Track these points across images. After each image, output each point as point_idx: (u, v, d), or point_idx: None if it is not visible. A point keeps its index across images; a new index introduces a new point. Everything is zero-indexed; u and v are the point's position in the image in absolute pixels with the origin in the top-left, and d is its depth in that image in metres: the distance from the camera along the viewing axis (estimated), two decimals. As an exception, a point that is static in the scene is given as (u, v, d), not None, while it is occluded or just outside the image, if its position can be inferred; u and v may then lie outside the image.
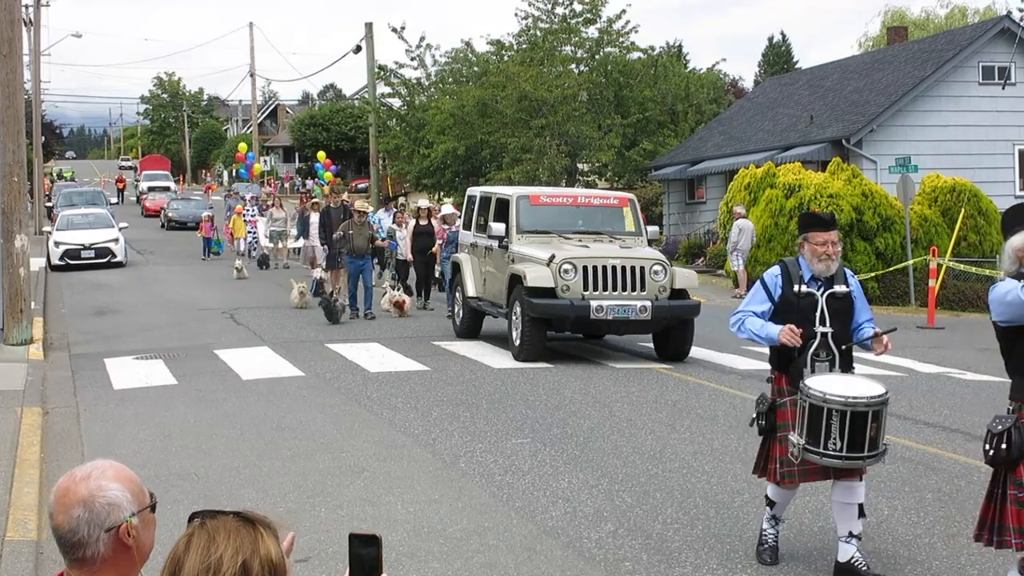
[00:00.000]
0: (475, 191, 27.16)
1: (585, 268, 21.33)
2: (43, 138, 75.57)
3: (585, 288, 21.24)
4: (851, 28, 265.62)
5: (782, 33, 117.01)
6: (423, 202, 33.83)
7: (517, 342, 21.76)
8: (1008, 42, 41.80)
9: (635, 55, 58.10)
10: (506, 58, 57.46)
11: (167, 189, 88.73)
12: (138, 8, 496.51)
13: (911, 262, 34.07)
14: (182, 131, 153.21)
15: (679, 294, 21.83)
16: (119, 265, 44.57)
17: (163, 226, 70.09)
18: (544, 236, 22.97)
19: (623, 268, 21.40)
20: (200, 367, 20.96)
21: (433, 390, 18.47)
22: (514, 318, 21.92)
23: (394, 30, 58.31)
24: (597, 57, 57.28)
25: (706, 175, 49.90)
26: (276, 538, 3.45)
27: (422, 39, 59.21)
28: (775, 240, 35.90)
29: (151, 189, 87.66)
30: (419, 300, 31.40)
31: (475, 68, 58.77)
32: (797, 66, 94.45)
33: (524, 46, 57.87)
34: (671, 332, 21.96)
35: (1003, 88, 41.11)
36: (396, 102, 62.70)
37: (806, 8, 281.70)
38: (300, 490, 12.20)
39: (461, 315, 25.41)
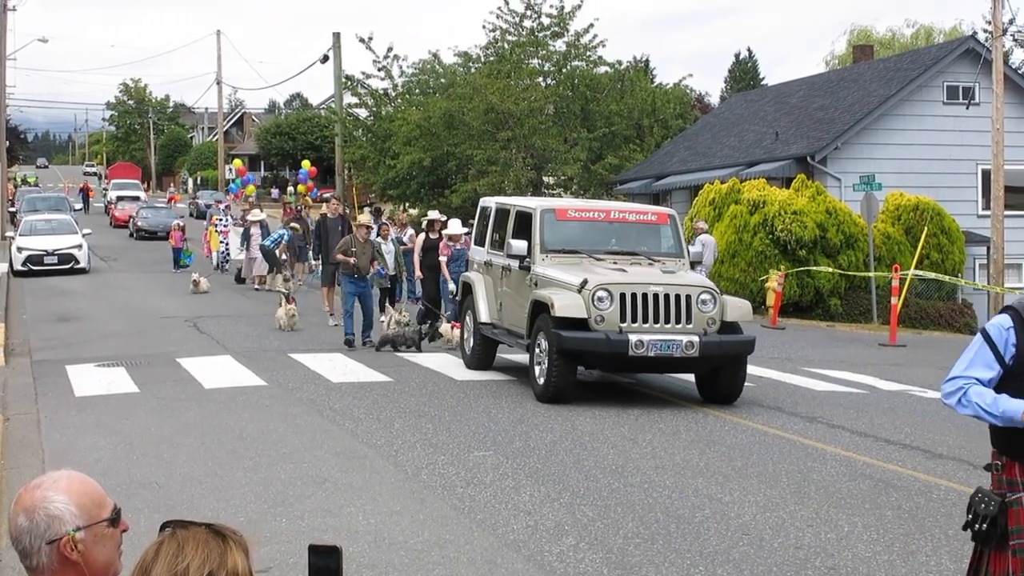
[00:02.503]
0: (490, 202, 23.92)
1: (623, 296, 18.28)
2: (7, 143, 75.08)
3: (622, 319, 18.23)
4: (817, 46, 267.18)
5: (749, 50, 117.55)
6: (434, 214, 30.27)
7: (541, 380, 18.65)
8: (973, 62, 42.01)
9: (602, 69, 58.22)
10: (473, 70, 57.51)
11: (137, 198, 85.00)
12: (105, 14, 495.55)
13: (872, 274, 34.23)
14: (147, 138, 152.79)
15: (729, 327, 18.83)
16: (82, 271, 44.33)
17: (132, 235, 67.71)
18: (572, 256, 20.12)
19: (666, 296, 18.37)
20: (162, 375, 20.88)
21: (396, 401, 18.45)
22: (538, 351, 18.85)
23: (362, 40, 58.28)
24: (564, 71, 57.37)
25: (671, 190, 50.02)
26: (245, 553, 3.47)
27: (390, 50, 59.13)
28: (739, 256, 36.03)
29: (120, 198, 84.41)
30: (426, 323, 27.39)
31: (442, 80, 58.81)
32: (763, 83, 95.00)
33: (491, 58, 57.95)
34: (721, 372, 18.88)
35: (967, 108, 41.30)
36: (363, 112, 62.66)
37: (773, 25, 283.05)
38: (261, 500, 12.17)
39: (472, 343, 22.39)
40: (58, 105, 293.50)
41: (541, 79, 57.41)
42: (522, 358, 22.21)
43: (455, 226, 28.48)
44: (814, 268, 34.80)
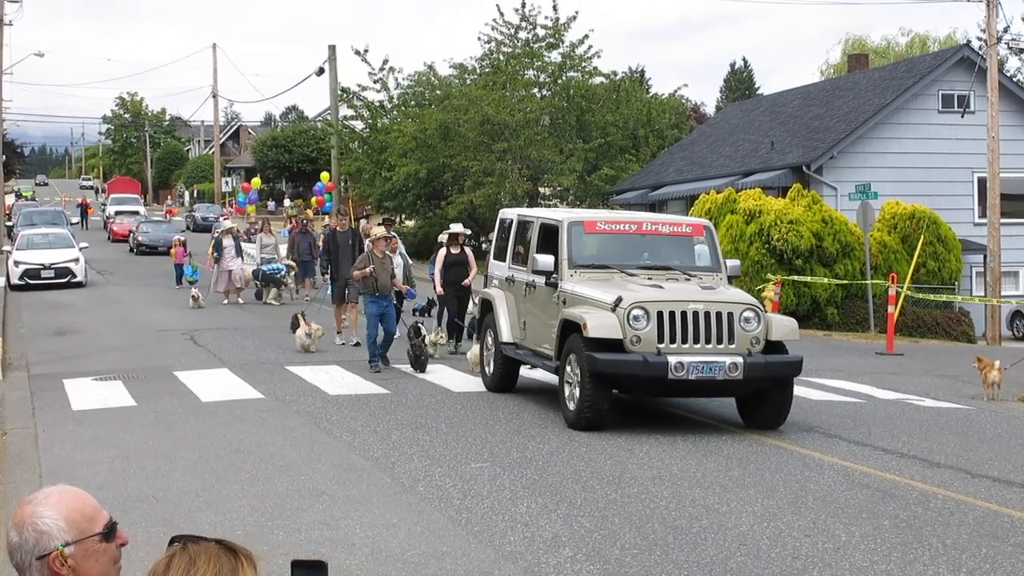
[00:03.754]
0: (510, 214, 22.53)
1: (660, 314, 16.92)
2: (4, 157, 75.08)
3: (660, 340, 16.88)
4: (813, 55, 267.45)
5: (744, 60, 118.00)
6: (456, 227, 28.08)
7: (572, 405, 17.32)
8: (968, 71, 42.09)
9: (597, 80, 58.44)
10: (469, 82, 57.69)
11: (136, 213, 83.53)
12: (102, 28, 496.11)
13: (869, 282, 34.24)
14: (144, 151, 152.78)
15: (774, 347, 17.53)
16: (79, 285, 44.27)
17: (132, 250, 66.07)
18: (603, 272, 18.72)
19: (707, 314, 17.03)
20: (159, 389, 20.87)
21: (393, 413, 18.44)
22: (568, 374, 17.53)
23: (357, 53, 58.42)
24: (559, 81, 57.57)
25: (667, 200, 50.07)
26: (255, 570, 3.49)
27: (385, 62, 59.35)
28: (735, 266, 35.99)
29: (119, 213, 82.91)
30: (449, 342, 26.60)
31: (438, 91, 58.96)
32: (759, 92, 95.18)
33: (487, 70, 58.14)
34: (766, 396, 17.60)
35: (962, 116, 41.35)
36: (359, 124, 62.77)
37: (768, 35, 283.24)
38: (259, 513, 12.16)
39: (492, 364, 21.15)
40: (55, 119, 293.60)
41: (536, 90, 57.62)
42: (542, 376, 21.36)
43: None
44: (810, 278, 34.80)
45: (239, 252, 38.81)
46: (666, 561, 10.65)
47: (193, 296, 36.94)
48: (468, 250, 27.27)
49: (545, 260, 18.65)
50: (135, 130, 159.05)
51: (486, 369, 21.39)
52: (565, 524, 11.86)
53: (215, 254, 38.74)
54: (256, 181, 66.19)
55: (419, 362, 23.15)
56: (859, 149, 42.43)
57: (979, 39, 51.57)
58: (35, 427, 17.35)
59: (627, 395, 19.06)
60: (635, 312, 16.88)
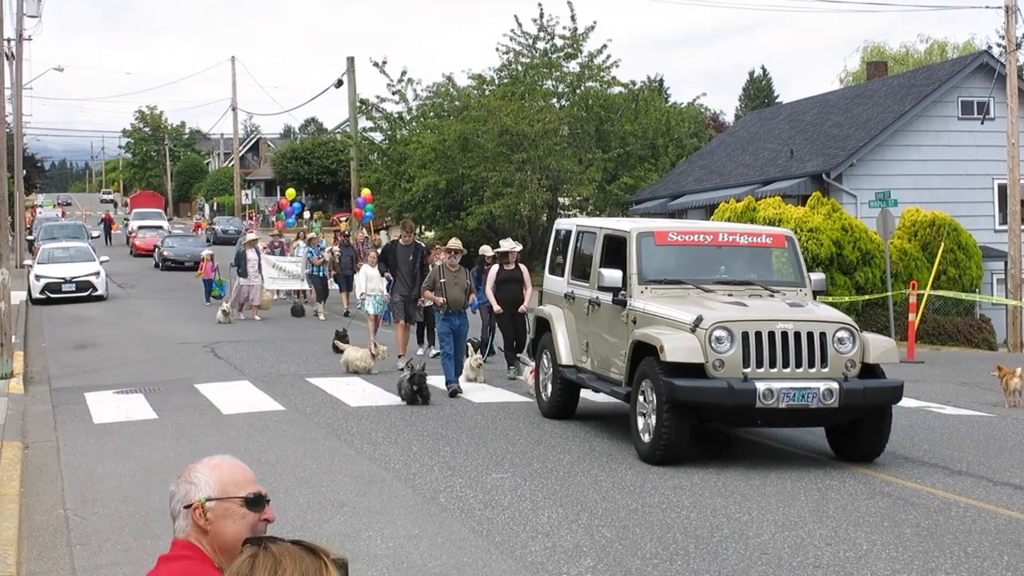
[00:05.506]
0: (568, 224, 20.93)
1: (745, 335, 15.29)
2: (25, 172, 75.31)
3: (746, 363, 15.24)
4: (831, 63, 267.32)
5: (763, 68, 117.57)
6: (507, 243, 25.69)
7: (647, 437, 15.72)
8: (987, 77, 42.02)
9: (616, 89, 58.38)
10: (487, 92, 57.62)
11: (159, 228, 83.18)
12: (120, 42, 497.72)
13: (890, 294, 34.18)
14: (164, 164, 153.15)
15: (870, 371, 15.85)
16: (100, 299, 44.45)
17: (157, 265, 65.13)
18: (676, 288, 17.07)
19: (797, 335, 15.40)
20: (180, 401, 20.92)
21: (413, 424, 18.46)
22: (642, 402, 15.92)
23: (376, 64, 58.45)
24: (578, 91, 57.57)
25: (687, 209, 50.02)
26: (346, 570, 3.56)
27: (403, 73, 59.26)
28: (756, 274, 35.94)
29: (142, 228, 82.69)
30: (510, 369, 24.50)
31: (456, 102, 58.89)
32: (778, 101, 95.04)
33: (505, 80, 58.12)
34: (863, 425, 15.87)
35: (982, 123, 41.31)
36: (377, 136, 62.78)
37: (787, 43, 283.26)
38: (279, 525, 12.11)
39: (550, 389, 19.48)
40: (74, 133, 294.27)
41: (555, 100, 57.63)
42: (600, 399, 19.88)
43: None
44: (831, 297, 34.71)
45: (261, 268, 37.67)
46: (687, 571, 10.64)
47: (224, 311, 36.07)
48: (523, 267, 25.26)
49: (612, 275, 16.98)
50: (155, 143, 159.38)
51: (542, 394, 19.82)
52: (586, 534, 11.87)
53: (236, 268, 37.92)
54: (291, 192, 65.06)
55: (419, 394, 20.65)
56: (879, 157, 42.36)
57: (999, 45, 51.42)
58: (57, 440, 17.42)
59: (705, 423, 16.55)
60: (718, 333, 15.24)
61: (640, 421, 15.89)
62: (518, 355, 24.19)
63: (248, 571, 3.46)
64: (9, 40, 62.82)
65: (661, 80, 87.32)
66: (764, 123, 55.88)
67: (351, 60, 60.75)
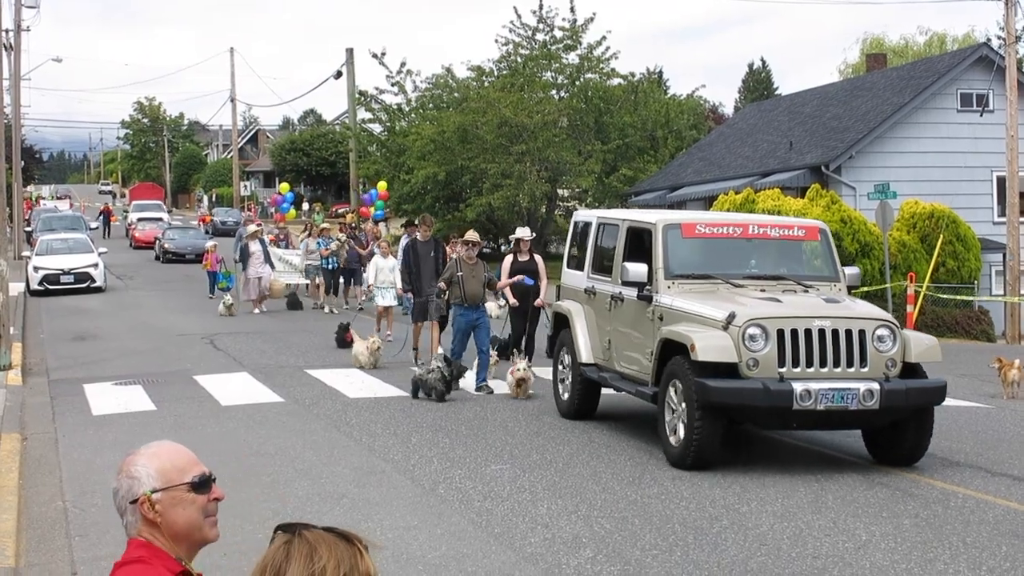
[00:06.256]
0: (588, 215, 20.06)
1: (780, 333, 14.52)
2: (23, 163, 75.22)
3: (781, 363, 14.47)
4: (831, 55, 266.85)
5: (762, 60, 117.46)
6: (523, 231, 24.91)
7: (677, 440, 14.91)
8: (986, 69, 42.01)
9: (615, 81, 58.41)
10: (486, 84, 57.65)
11: (159, 220, 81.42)
12: (119, 33, 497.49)
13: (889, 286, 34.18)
14: (162, 156, 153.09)
15: (911, 370, 15.12)
16: (98, 290, 44.41)
17: (158, 258, 64.00)
18: (705, 283, 16.25)
19: (835, 332, 14.63)
20: (179, 393, 20.91)
21: (412, 416, 18.45)
22: (671, 404, 15.16)
23: (375, 56, 58.43)
24: (577, 83, 57.58)
25: (686, 201, 49.98)
26: (369, 557, 3.44)
27: (403, 65, 59.27)
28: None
29: (141, 220, 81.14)
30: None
31: (455, 94, 58.94)
32: (777, 92, 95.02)
33: (504, 72, 58.16)
34: (903, 427, 15.11)
35: (981, 115, 41.30)
36: (376, 127, 62.79)
37: (786, 35, 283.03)
38: (279, 516, 12.15)
39: (570, 388, 18.65)
40: (73, 124, 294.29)
41: (554, 92, 57.63)
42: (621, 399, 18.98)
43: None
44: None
45: (268, 259, 37.15)
46: (686, 562, 10.65)
47: (226, 304, 35.44)
48: (538, 257, 24.53)
49: (637, 269, 16.16)
50: (153, 135, 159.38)
51: (560, 394, 19.01)
52: (585, 525, 11.88)
53: (239, 260, 37.44)
54: (284, 187, 64.37)
55: (440, 388, 20.09)
56: (878, 149, 42.34)
57: (998, 37, 51.34)
58: (55, 432, 17.42)
59: (737, 424, 15.79)
60: (751, 331, 14.46)
61: (669, 423, 15.12)
62: (514, 349, 22.75)
63: (284, 559, 3.37)
64: (7, 31, 62.89)
65: (660, 72, 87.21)
66: (763, 115, 55.86)
67: (350, 51, 60.78)
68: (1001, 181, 40.05)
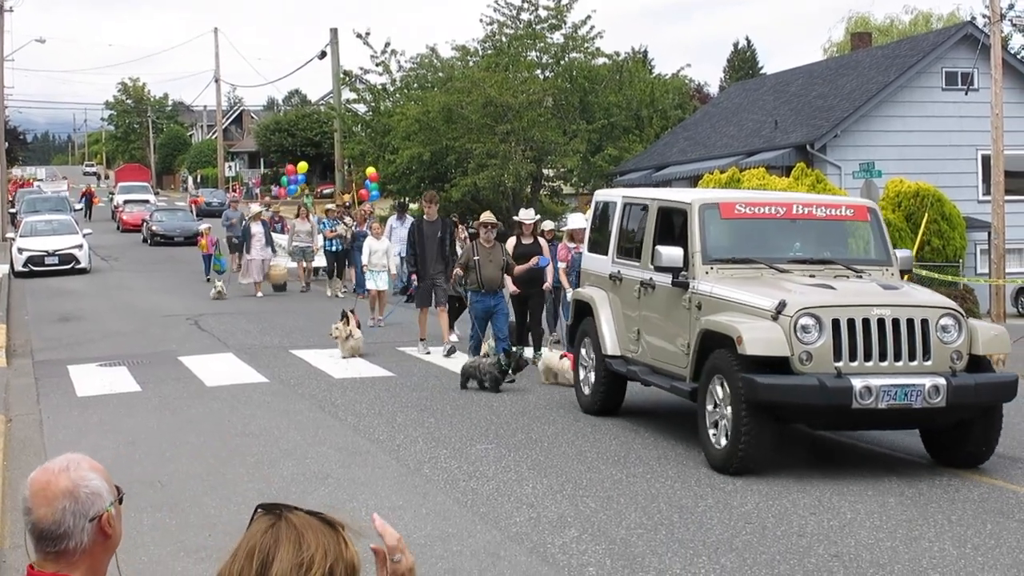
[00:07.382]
0: (611, 195, 18.55)
1: (836, 323, 13.11)
2: (6, 144, 74.97)
3: (837, 356, 13.07)
4: (816, 34, 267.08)
5: (747, 39, 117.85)
6: (526, 213, 23.87)
7: (722, 441, 13.51)
8: (971, 48, 41.96)
9: (600, 61, 58.31)
10: (471, 64, 57.55)
11: (146, 202, 79.92)
12: (102, 13, 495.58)
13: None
14: (147, 137, 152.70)
15: (977, 363, 13.67)
16: (83, 272, 44.27)
17: (146, 240, 62.03)
18: (747, 268, 14.84)
19: (895, 322, 13.22)
20: (164, 374, 20.89)
21: (398, 396, 18.45)
22: (714, 402, 13.75)
23: (359, 36, 58.21)
24: (562, 63, 57.49)
25: (671, 180, 49.94)
26: (353, 546, 3.33)
27: (387, 45, 59.09)
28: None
29: (128, 202, 79.36)
30: (537, 353, 21.56)
31: (440, 74, 58.78)
32: (762, 72, 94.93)
33: (489, 52, 58.04)
34: (970, 426, 13.69)
35: (966, 94, 41.25)
36: (361, 108, 62.64)
37: (771, 14, 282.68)
38: (264, 496, 12.12)
39: (593, 382, 17.22)
40: (57, 105, 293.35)
41: (539, 72, 57.50)
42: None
43: (577, 221, 23.38)
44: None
45: (269, 241, 36.60)
46: (672, 540, 10.66)
47: (217, 288, 34.93)
48: (543, 240, 23.51)
49: (671, 254, 14.75)
50: (137, 116, 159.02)
51: (582, 388, 17.61)
52: (571, 504, 11.88)
53: (243, 244, 36.75)
54: (303, 165, 62.62)
55: (496, 375, 19.07)
56: (863, 127, 42.34)
57: (983, 16, 51.45)
58: (40, 413, 17.39)
59: (787, 424, 14.35)
60: (804, 321, 13.07)
61: (711, 423, 13.80)
62: (513, 347, 20.35)
63: (272, 544, 3.19)
64: (-10, 12, 62.62)
65: (645, 51, 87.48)
66: (748, 94, 55.83)
67: (334, 31, 60.57)
68: (986, 159, 40.05)
